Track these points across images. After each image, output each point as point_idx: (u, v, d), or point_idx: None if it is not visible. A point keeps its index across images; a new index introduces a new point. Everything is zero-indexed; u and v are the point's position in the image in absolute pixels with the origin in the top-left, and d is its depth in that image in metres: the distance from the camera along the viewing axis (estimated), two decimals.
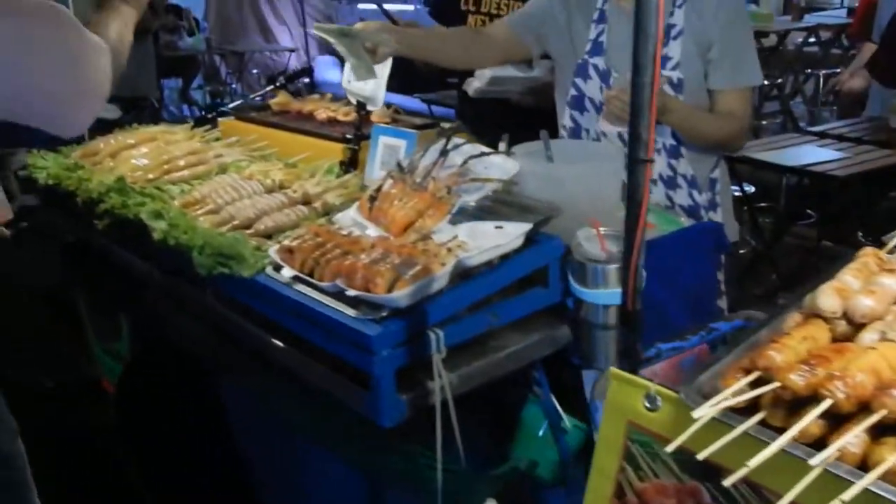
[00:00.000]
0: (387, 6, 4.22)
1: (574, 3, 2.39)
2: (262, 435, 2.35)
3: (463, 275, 1.67)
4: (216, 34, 8.80)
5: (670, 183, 2.35)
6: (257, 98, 4.08)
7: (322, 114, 2.81)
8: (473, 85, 2.73)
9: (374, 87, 2.22)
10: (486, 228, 1.80)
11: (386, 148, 2.23)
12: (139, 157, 2.45)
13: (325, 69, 8.47)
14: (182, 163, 2.41)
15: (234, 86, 8.65)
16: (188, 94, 8.76)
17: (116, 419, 2.90)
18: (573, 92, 2.39)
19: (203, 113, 8.10)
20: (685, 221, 2.27)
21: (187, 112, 8.89)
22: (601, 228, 1.80)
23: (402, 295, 1.53)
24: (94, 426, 3.31)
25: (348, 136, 2.46)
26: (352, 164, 2.33)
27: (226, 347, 2.16)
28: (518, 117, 2.18)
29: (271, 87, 4.14)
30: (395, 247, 1.67)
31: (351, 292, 1.60)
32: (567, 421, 1.92)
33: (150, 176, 2.34)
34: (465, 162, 1.93)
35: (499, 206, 1.89)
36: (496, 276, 1.70)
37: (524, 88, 2.81)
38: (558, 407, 1.95)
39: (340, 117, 2.75)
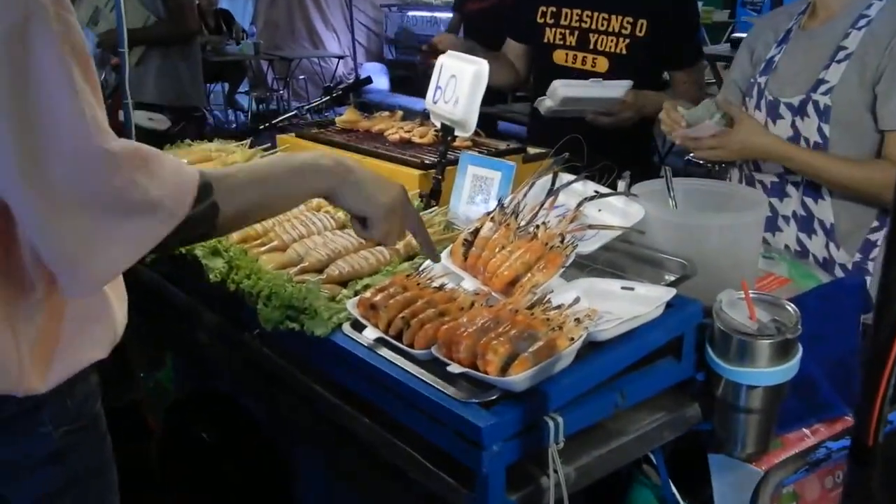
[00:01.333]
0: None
1: (770, 24, 2.20)
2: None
3: (586, 347, 1.37)
4: (264, 39, 8.64)
5: (805, 225, 2.03)
6: (308, 108, 3.83)
7: (394, 134, 2.54)
8: (545, 104, 2.45)
9: (465, 109, 1.93)
10: (610, 288, 1.51)
11: (476, 180, 1.95)
12: None
13: (373, 77, 8.19)
14: None
15: (280, 91, 8.46)
16: (234, 98, 8.60)
17: (160, 466, 2.65)
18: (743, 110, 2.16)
19: (248, 118, 7.95)
20: (823, 277, 1.94)
21: (232, 117, 8.74)
22: (750, 292, 1.49)
23: (521, 379, 1.24)
24: (133, 459, 3.11)
25: (428, 162, 2.19)
26: (433, 195, 2.05)
27: (286, 404, 1.89)
28: (593, 138, 1.93)
29: (327, 97, 3.89)
30: (506, 312, 1.37)
31: (455, 368, 1.31)
32: None
33: None
34: (580, 204, 1.64)
35: (621, 259, 1.60)
36: (627, 350, 1.41)
37: (601, 108, 2.52)
38: (677, 495, 1.65)
39: (416, 139, 2.47)
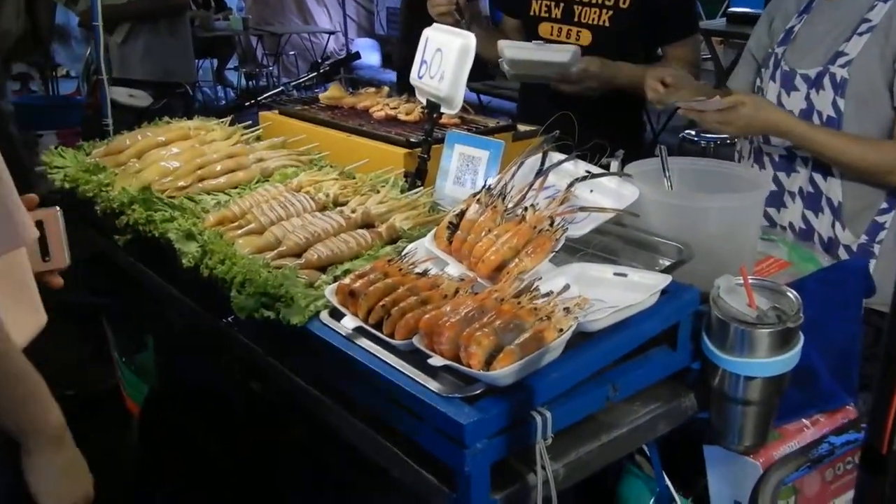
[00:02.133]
0: None
1: None
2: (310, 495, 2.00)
3: (576, 337, 1.29)
4: (253, 14, 8.48)
5: (812, 202, 1.95)
6: (295, 85, 3.71)
7: (380, 111, 2.44)
8: (503, 67, 2.37)
9: (451, 85, 1.84)
10: (602, 275, 1.43)
11: (463, 159, 1.86)
12: (169, 158, 2.11)
13: (364, 53, 8.04)
14: (218, 168, 2.06)
15: (270, 67, 8.32)
16: (223, 75, 8.45)
17: (141, 451, 2.58)
18: (758, 83, 2.10)
19: (237, 94, 7.81)
20: (824, 260, 1.86)
21: (221, 94, 8.60)
22: (750, 278, 1.41)
23: (506, 373, 1.17)
24: (114, 443, 3.05)
25: (413, 141, 2.09)
26: (419, 175, 1.96)
27: (264, 394, 1.81)
28: (585, 115, 1.84)
29: (314, 73, 3.78)
30: (491, 301, 1.29)
31: (436, 360, 1.23)
32: (680, 502, 1.56)
33: (182, 183, 2.00)
34: (571, 185, 1.55)
35: (614, 243, 1.52)
36: (620, 340, 1.33)
37: (556, 75, 2.42)
38: (671, 488, 1.58)
39: (402, 116, 2.37)
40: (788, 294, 1.42)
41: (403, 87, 3.22)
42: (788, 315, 1.37)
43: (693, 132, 4.82)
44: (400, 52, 5.57)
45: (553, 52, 2.30)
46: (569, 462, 1.31)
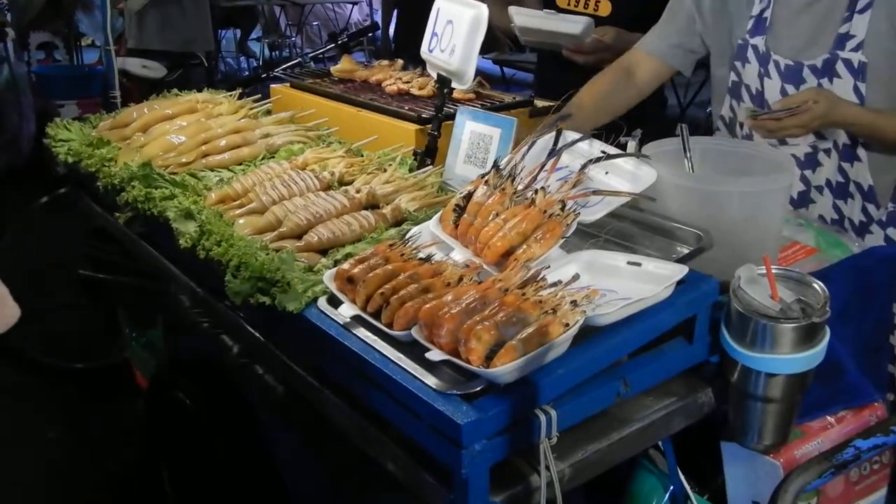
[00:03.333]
0: None
1: None
2: (309, 478, 1.95)
3: (584, 330, 1.21)
4: None
5: (841, 191, 1.84)
6: (313, 56, 3.62)
7: (392, 85, 2.35)
8: (517, 32, 2.27)
9: (462, 58, 1.74)
10: (615, 263, 1.35)
11: (474, 137, 1.77)
12: (175, 132, 2.04)
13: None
14: (223, 143, 2.00)
15: (293, 38, 8.22)
16: (246, 45, 8.37)
17: (147, 425, 2.56)
18: (733, 77, 1.93)
19: (258, 67, 7.73)
20: (853, 245, 1.75)
21: (244, 64, 8.52)
22: (773, 268, 1.32)
23: (507, 370, 1.09)
24: (121, 417, 3.05)
25: (425, 117, 2.01)
26: (428, 153, 1.87)
27: (265, 378, 1.76)
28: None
29: (332, 44, 3.69)
30: (495, 291, 1.21)
31: (434, 355, 1.15)
32: (695, 501, 1.49)
33: (185, 159, 1.94)
34: (584, 166, 1.46)
35: (630, 228, 1.44)
36: (631, 334, 1.25)
37: (565, 43, 2.31)
38: (686, 485, 1.51)
39: (415, 90, 2.28)
40: (814, 286, 1.32)
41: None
42: (814, 309, 1.28)
43: None
44: (398, 33, 5.39)
45: (564, 23, 2.19)
46: (576, 462, 1.24)
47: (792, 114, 1.71)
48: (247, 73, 8.12)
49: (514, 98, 2.25)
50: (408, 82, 2.35)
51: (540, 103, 2.25)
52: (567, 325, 1.13)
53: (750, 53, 1.87)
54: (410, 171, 1.84)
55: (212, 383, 2.17)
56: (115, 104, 2.56)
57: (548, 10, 2.20)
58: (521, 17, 2.17)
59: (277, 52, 8.16)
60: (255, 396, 1.96)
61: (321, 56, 3.97)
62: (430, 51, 1.84)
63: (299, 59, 3.50)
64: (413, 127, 2.02)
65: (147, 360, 2.79)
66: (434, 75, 1.89)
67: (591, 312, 1.17)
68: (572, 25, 2.18)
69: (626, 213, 1.50)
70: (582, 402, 1.23)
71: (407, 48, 2.91)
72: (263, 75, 3.41)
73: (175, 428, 2.32)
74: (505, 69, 6.49)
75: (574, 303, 1.16)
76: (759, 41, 1.86)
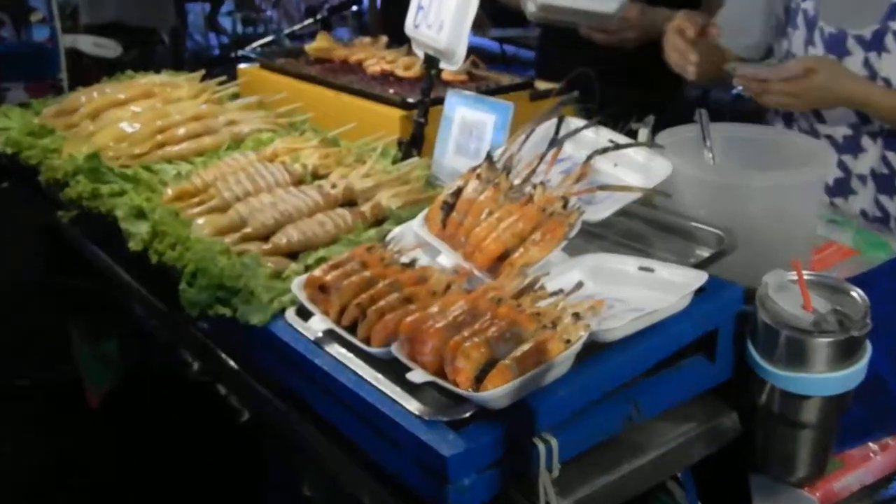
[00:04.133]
0: None
1: None
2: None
3: (589, 346, 1.18)
4: None
5: (885, 184, 1.81)
6: (289, 33, 3.61)
7: (374, 65, 2.33)
8: (528, 8, 2.22)
9: (451, 36, 1.71)
10: (624, 268, 1.33)
11: (465, 124, 1.74)
12: (127, 120, 2.02)
13: None
14: (182, 132, 1.97)
15: (269, 13, 8.19)
16: (216, 21, 8.33)
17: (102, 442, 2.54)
18: (785, 46, 1.93)
19: (227, 46, 7.69)
20: None
21: (214, 41, 8.48)
22: (806, 273, 1.29)
23: (499, 393, 1.06)
24: (70, 440, 3.01)
25: (411, 101, 1.98)
26: (414, 143, 1.85)
27: (231, 397, 1.73)
28: (610, 70, 1.70)
29: (311, 20, 3.68)
30: (487, 302, 1.18)
31: (417, 375, 1.12)
32: None
33: (138, 150, 1.91)
34: (590, 157, 1.43)
35: (641, 228, 1.42)
36: (644, 351, 1.22)
37: (592, 22, 2.28)
38: None
39: (400, 72, 2.26)
40: (853, 294, 1.29)
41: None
42: (853, 321, 1.24)
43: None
44: (385, 6, 5.30)
45: (599, 2, 2.15)
46: (581, 497, 1.20)
47: (782, 78, 1.68)
48: (217, 52, 8.08)
49: (512, 80, 2.22)
50: (392, 62, 2.33)
51: (542, 85, 2.22)
52: (569, 341, 1.10)
53: (799, 18, 1.86)
54: (394, 162, 1.81)
55: (171, 401, 2.14)
56: (61, 87, 2.52)
57: None
58: None
59: (252, 29, 8.13)
60: (221, 418, 1.93)
61: (299, 33, 3.94)
62: (416, 27, 1.81)
63: (274, 36, 3.47)
64: (397, 113, 1.99)
65: (101, 373, 2.76)
66: (420, 55, 1.86)
67: (597, 327, 1.14)
68: (607, 3, 2.13)
69: (636, 211, 1.48)
70: (587, 429, 1.19)
71: (397, 23, 2.90)
72: (233, 55, 3.38)
73: (133, 450, 2.30)
74: (505, 46, 6.46)
75: (577, 315, 1.12)
76: (809, 5, 1.85)
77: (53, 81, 3.27)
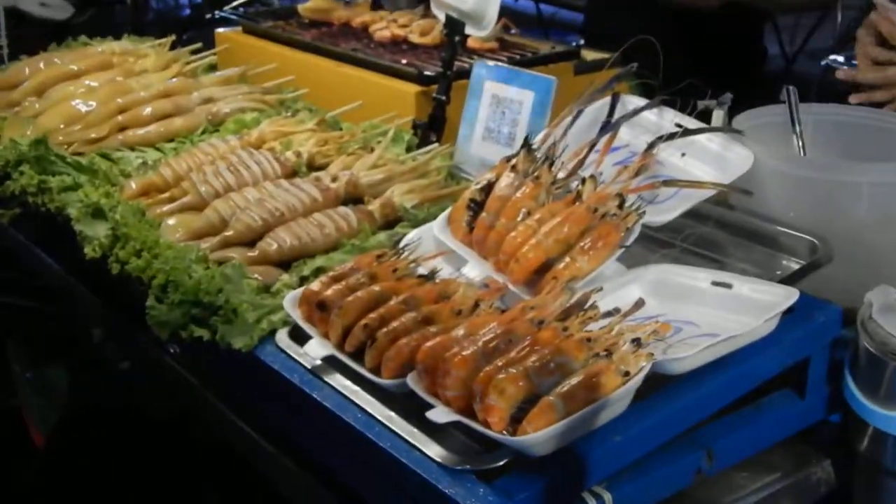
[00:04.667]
0: None
1: None
2: None
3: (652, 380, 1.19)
4: None
5: None
6: None
7: (383, 29, 2.36)
8: None
9: None
10: (695, 283, 1.36)
11: (496, 103, 1.77)
12: (81, 97, 2.05)
13: None
14: (147, 111, 2.01)
15: None
16: None
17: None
18: None
19: (199, 5, 7.76)
20: None
21: (184, 0, 8.55)
22: None
23: (541, 438, 1.07)
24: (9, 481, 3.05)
25: (430, 74, 2.00)
26: (434, 125, 1.87)
27: (201, 434, 1.75)
28: (675, 36, 1.70)
29: None
30: (525, 324, 1.19)
31: (440, 414, 1.13)
32: None
33: (94, 133, 1.95)
34: (652, 145, 1.44)
35: (713, 233, 1.45)
36: (719, 386, 1.24)
37: None
38: None
39: (415, 38, 2.29)
40: None
41: None
42: None
43: (842, 58, 4.63)
44: None
45: None
46: None
47: None
48: (187, 12, 8.14)
49: (553, 48, 2.24)
50: (405, 26, 2.35)
51: (589, 55, 2.24)
52: (627, 373, 1.11)
53: None
54: (408, 150, 1.83)
55: (132, 441, 2.17)
56: (0, 58, 2.56)
57: None
58: None
59: None
60: (190, 460, 1.96)
61: None
62: None
63: None
64: (412, 89, 2.02)
65: (44, 407, 2.79)
66: (441, 17, 1.88)
67: (662, 356, 1.15)
68: None
69: (709, 212, 1.50)
70: (648, 482, 1.21)
71: None
72: (208, 16, 3.41)
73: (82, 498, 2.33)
74: (542, 5, 6.48)
75: (637, 342, 1.13)
76: None
77: None
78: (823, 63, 4.62)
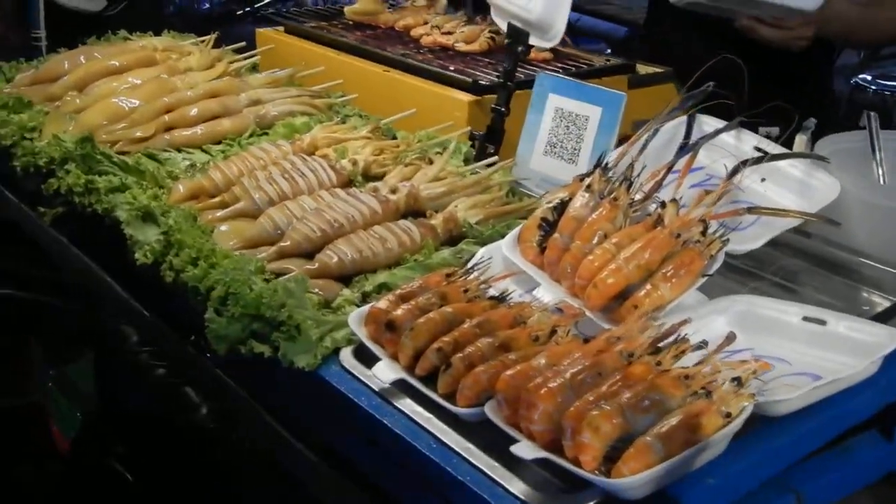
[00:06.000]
0: None
1: None
2: None
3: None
4: None
5: None
6: None
7: (427, 35, 2.30)
8: None
9: (547, 5, 1.66)
10: (784, 318, 1.29)
11: (561, 118, 1.70)
12: (124, 94, 1.98)
13: None
14: (194, 112, 1.94)
15: None
16: None
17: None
18: None
19: (228, 1, 7.68)
20: None
21: None
22: None
23: (638, 481, 1.01)
24: (33, 483, 2.97)
25: (484, 84, 1.94)
26: (492, 137, 1.81)
27: (246, 456, 1.68)
28: (747, 55, 1.64)
29: None
30: (614, 357, 1.12)
31: (525, 449, 1.07)
32: None
33: (140, 132, 1.87)
34: (735, 170, 1.37)
35: (798, 264, 1.37)
36: (813, 428, 1.18)
37: (773, 14, 2.21)
38: None
39: (462, 45, 2.21)
40: None
41: None
42: None
43: (869, 76, 4.56)
44: None
45: None
46: None
47: None
48: (207, 6, 8.06)
49: (608, 60, 2.17)
50: (451, 31, 2.28)
51: (643, 69, 2.17)
52: (729, 415, 1.03)
53: None
54: (466, 162, 1.76)
55: (163, 451, 2.10)
56: (38, 49, 2.48)
57: None
58: None
59: None
60: (228, 477, 1.88)
61: None
62: None
63: None
64: (466, 98, 1.96)
65: (67, 408, 2.72)
66: (502, 25, 1.81)
67: (764, 397, 1.08)
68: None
69: (788, 241, 1.45)
70: None
71: None
72: (239, 12, 3.35)
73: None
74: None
75: (738, 381, 1.06)
76: None
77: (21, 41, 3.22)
78: (853, 81, 4.56)
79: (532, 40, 1.75)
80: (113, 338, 2.13)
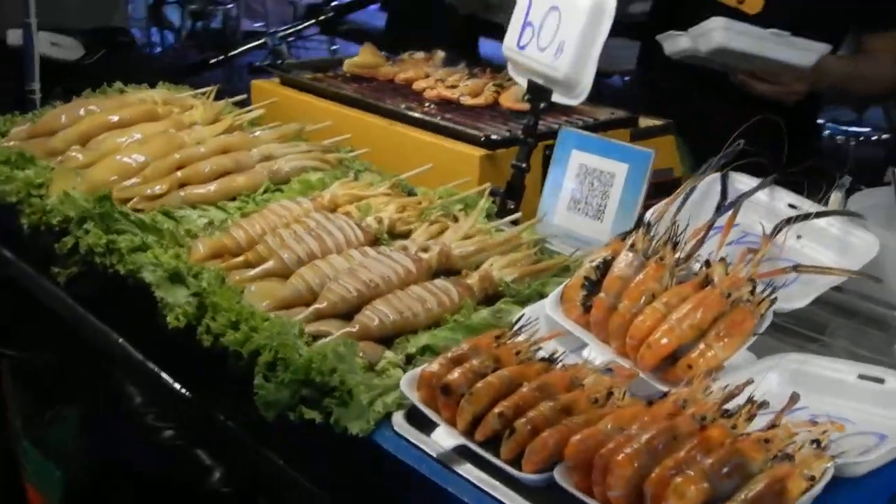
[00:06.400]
0: None
1: None
2: None
3: None
4: None
5: None
6: (284, 35, 3.60)
7: (429, 89, 2.29)
8: (679, 44, 2.18)
9: (575, 62, 1.66)
10: (838, 376, 1.29)
11: (586, 174, 1.70)
12: (131, 149, 1.94)
13: None
14: (207, 168, 1.90)
15: (228, 6, 8.14)
16: (161, 12, 8.27)
17: None
18: None
19: (178, 41, 7.58)
20: None
21: (156, 37, 8.41)
22: None
23: None
24: None
25: (495, 139, 1.94)
26: (511, 193, 1.80)
27: None
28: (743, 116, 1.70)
29: (313, 20, 3.68)
30: (687, 420, 1.12)
31: None
32: None
33: (156, 189, 1.83)
34: (778, 228, 1.38)
35: (848, 322, 1.37)
36: (881, 487, 1.16)
37: (769, 69, 2.26)
38: None
39: (467, 99, 2.21)
40: None
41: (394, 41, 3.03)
42: None
43: (821, 120, 4.65)
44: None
45: (795, 50, 2.11)
46: None
47: None
48: (159, 49, 8.00)
49: (612, 114, 2.18)
50: (452, 87, 2.28)
51: (644, 122, 2.19)
52: (813, 478, 1.04)
53: None
54: (488, 218, 1.75)
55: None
56: (32, 102, 2.43)
57: (773, 31, 2.11)
58: (727, 35, 2.04)
59: (204, 23, 8.08)
60: None
61: (292, 36, 3.90)
62: (522, 48, 1.76)
63: (265, 39, 3.43)
64: (477, 152, 1.95)
65: (46, 470, 2.63)
66: (521, 82, 1.82)
67: (843, 460, 1.08)
68: (805, 55, 2.11)
69: (830, 299, 1.45)
70: None
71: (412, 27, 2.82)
72: (212, 60, 3.33)
73: None
74: None
75: (818, 443, 1.06)
76: None
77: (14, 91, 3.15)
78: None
79: (557, 97, 1.76)
80: (109, 387, 2.07)
